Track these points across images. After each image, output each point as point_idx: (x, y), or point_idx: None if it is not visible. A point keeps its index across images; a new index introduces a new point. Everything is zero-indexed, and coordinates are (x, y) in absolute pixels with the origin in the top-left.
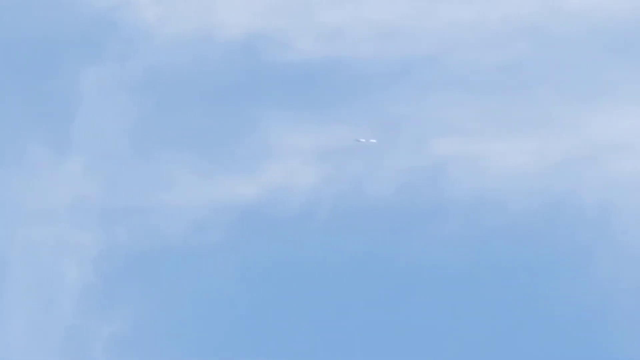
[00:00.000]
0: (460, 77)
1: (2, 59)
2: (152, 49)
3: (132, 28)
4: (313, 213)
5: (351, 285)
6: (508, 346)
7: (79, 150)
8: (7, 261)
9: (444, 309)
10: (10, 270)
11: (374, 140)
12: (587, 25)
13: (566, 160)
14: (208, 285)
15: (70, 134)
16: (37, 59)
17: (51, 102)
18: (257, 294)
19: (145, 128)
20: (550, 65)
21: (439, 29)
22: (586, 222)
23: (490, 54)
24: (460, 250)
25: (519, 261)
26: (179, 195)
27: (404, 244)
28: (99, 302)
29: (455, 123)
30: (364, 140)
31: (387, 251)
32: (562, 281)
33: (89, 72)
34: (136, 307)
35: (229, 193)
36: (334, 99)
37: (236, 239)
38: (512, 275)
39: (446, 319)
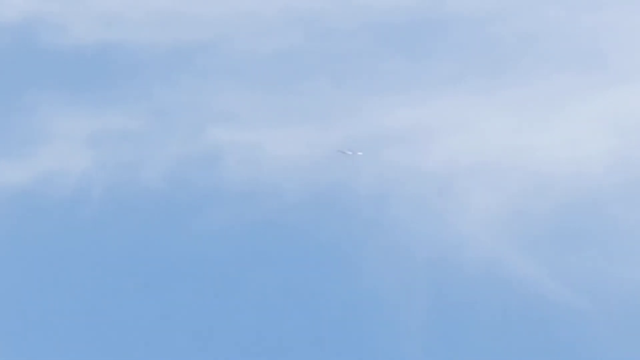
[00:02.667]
0: (237, 65)
1: None
2: None
3: None
4: (85, 198)
5: (122, 270)
6: (276, 333)
7: None
8: None
9: (216, 296)
10: None
11: (360, 153)
12: (361, 18)
13: (342, 149)
14: None
15: None
16: None
17: None
18: (28, 278)
19: None
20: (325, 55)
21: (216, 16)
22: (359, 212)
23: (266, 43)
24: (233, 238)
25: (293, 250)
26: None
27: (177, 231)
28: None
29: (231, 111)
30: (350, 152)
31: (159, 237)
32: (334, 270)
33: None
34: None
35: (1, 177)
36: (109, 85)
37: (8, 224)
38: (286, 264)
39: (217, 307)
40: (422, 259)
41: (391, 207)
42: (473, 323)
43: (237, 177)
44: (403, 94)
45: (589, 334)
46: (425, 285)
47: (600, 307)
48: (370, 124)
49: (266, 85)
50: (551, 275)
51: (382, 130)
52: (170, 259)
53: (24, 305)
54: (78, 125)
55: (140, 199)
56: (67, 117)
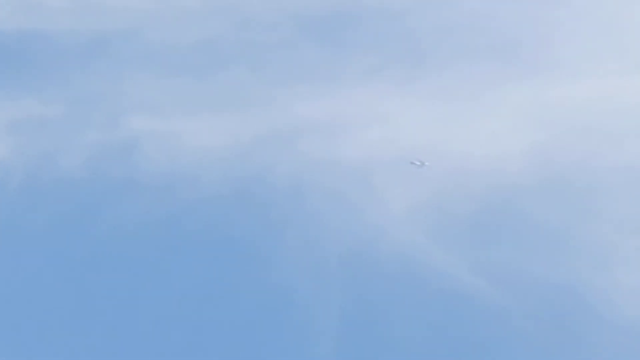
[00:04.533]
0: (156, 54)
1: None
2: None
3: None
4: (3, 185)
5: (40, 258)
6: (189, 326)
7: None
8: None
9: (130, 286)
10: None
11: (428, 164)
12: (281, 8)
13: (260, 140)
14: None
15: None
16: None
17: None
18: None
19: None
20: (244, 45)
21: (135, 5)
22: (278, 202)
23: (186, 32)
24: (150, 227)
25: (211, 239)
26: None
27: (91, 221)
28: None
29: (150, 100)
30: (418, 163)
31: (76, 225)
32: (249, 264)
33: None
34: None
35: None
36: (28, 72)
37: None
38: (200, 255)
39: (131, 298)
40: (338, 252)
41: (308, 200)
42: (389, 318)
43: (155, 167)
44: (321, 85)
45: (505, 329)
46: (340, 280)
47: (516, 303)
48: (289, 115)
49: (185, 74)
50: (468, 270)
51: (300, 122)
52: (87, 247)
53: None
54: None
55: (58, 187)
56: None
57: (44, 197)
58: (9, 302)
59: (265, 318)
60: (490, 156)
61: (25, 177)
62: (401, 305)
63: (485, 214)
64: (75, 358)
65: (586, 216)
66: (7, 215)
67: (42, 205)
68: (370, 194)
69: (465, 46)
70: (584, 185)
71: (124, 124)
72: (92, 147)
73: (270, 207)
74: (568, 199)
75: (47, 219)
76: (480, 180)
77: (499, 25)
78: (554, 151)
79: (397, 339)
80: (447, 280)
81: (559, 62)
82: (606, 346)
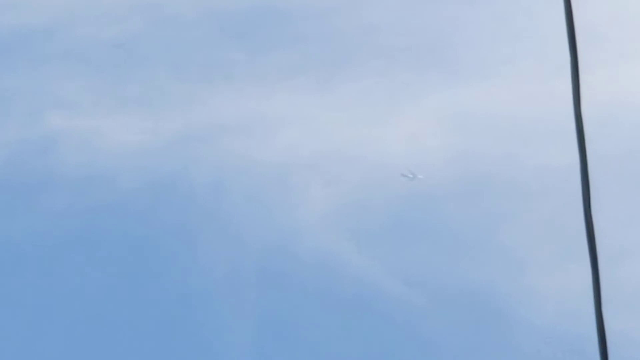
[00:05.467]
0: (75, 51)
1: None
2: None
3: None
4: None
5: None
6: (106, 323)
7: None
8: None
9: (46, 284)
10: None
11: (421, 177)
12: (203, 6)
13: (179, 139)
14: None
15: None
16: None
17: None
18: None
19: None
20: (165, 43)
21: (55, 1)
22: (196, 202)
23: (106, 29)
24: (66, 227)
25: (127, 237)
26: None
27: (8, 218)
28: None
29: (69, 97)
30: (411, 175)
31: None
32: (169, 259)
33: None
34: None
35: None
36: None
37: None
38: (121, 251)
39: (49, 293)
40: (256, 250)
41: (225, 200)
42: (304, 321)
43: (74, 164)
44: (241, 84)
45: (420, 333)
46: (256, 281)
47: (431, 307)
48: (210, 114)
49: (105, 71)
50: (384, 274)
51: (220, 120)
52: (5, 243)
53: None
54: None
55: None
56: None
57: None
58: None
59: (179, 319)
60: (406, 160)
61: None
62: (317, 307)
63: (401, 218)
64: None
65: (502, 221)
66: None
67: None
68: (287, 195)
69: (387, 48)
70: (500, 189)
71: (44, 121)
72: (12, 144)
73: (187, 207)
74: (485, 204)
75: None
76: (397, 184)
77: (421, 28)
78: (472, 155)
79: (313, 342)
80: (363, 284)
81: (479, 66)
82: (520, 351)
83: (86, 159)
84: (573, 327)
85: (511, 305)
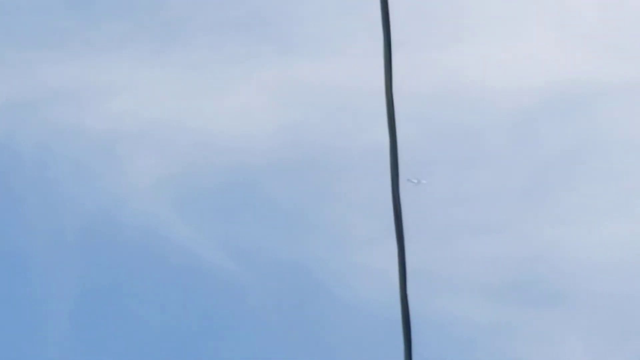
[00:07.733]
0: None
1: None
2: None
3: None
4: None
5: None
6: None
7: None
8: None
9: None
10: None
11: (425, 182)
12: None
13: (5, 105)
14: None
15: None
16: None
17: None
18: None
19: None
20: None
21: None
22: (21, 167)
23: None
24: None
25: None
26: None
27: None
28: None
29: None
30: (415, 181)
31: None
32: None
33: None
34: None
35: None
36: None
37: None
38: None
39: None
40: (78, 223)
41: (50, 169)
42: (128, 292)
43: None
44: (70, 51)
45: (243, 306)
46: (79, 251)
47: (255, 280)
48: (34, 81)
49: None
50: (210, 246)
51: (45, 88)
52: None
53: None
54: None
55: None
56: None
57: None
58: None
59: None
60: (237, 133)
61: None
62: (141, 278)
63: (229, 190)
64: None
65: (327, 197)
66: None
67: None
68: (113, 165)
69: (219, 18)
70: (327, 166)
71: None
72: None
73: (10, 175)
74: (311, 180)
75: None
76: (226, 156)
77: (255, 0)
78: (302, 131)
79: (133, 310)
80: (189, 255)
81: (311, 40)
82: (341, 326)
83: None
84: (395, 304)
85: (332, 280)
